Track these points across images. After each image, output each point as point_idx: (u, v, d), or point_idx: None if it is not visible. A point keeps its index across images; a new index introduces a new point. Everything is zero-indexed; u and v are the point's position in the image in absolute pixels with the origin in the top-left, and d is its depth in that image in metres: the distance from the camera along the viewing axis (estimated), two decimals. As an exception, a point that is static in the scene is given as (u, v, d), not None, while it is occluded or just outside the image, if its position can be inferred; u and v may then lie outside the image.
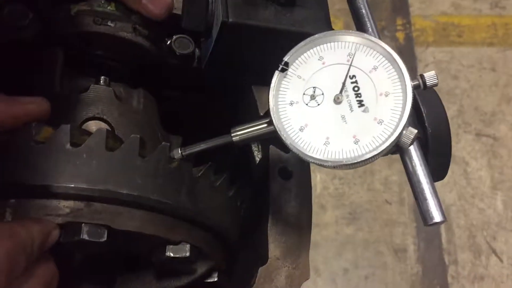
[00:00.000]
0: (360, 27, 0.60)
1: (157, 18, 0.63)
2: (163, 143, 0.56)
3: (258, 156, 0.74)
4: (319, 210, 1.93)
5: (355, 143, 0.50)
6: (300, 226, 0.65)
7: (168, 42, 0.67)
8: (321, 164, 0.50)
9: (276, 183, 0.66)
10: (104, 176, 0.51)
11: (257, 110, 0.68)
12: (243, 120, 0.56)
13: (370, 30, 0.58)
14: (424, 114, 0.57)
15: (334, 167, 0.50)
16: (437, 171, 0.58)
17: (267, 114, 0.53)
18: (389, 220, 1.92)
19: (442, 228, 1.89)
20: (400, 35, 2.27)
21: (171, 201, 0.54)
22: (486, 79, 2.18)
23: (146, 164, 0.53)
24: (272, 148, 0.67)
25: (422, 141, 0.56)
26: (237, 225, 0.64)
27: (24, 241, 0.45)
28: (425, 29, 2.30)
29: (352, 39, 0.53)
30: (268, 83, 0.53)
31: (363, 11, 0.59)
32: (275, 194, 0.65)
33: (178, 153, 0.57)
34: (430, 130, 0.56)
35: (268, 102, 0.52)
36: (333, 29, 0.61)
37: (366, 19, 0.58)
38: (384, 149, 0.49)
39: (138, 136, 0.54)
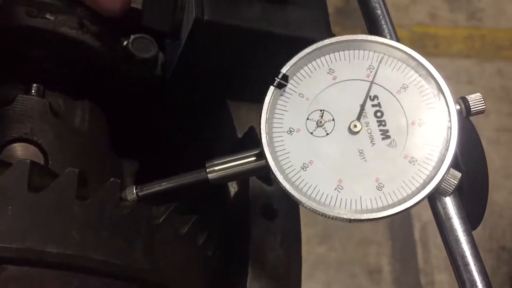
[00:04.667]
0: (375, 33, 0.47)
1: (111, 16, 0.55)
2: (111, 179, 0.44)
3: (233, 186, 0.63)
4: (290, 228, 1.89)
5: (378, 189, 0.39)
6: (287, 282, 0.55)
7: (125, 43, 0.60)
8: (331, 216, 0.38)
9: (257, 225, 0.55)
10: (24, 229, 0.39)
11: (235, 132, 0.58)
12: (217, 143, 0.43)
13: (388, 37, 0.45)
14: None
15: (349, 221, 0.37)
16: (471, 220, 0.46)
17: (246, 140, 0.44)
18: (363, 238, 1.87)
19: (418, 247, 1.85)
20: (374, 45, 2.31)
21: (122, 261, 0.43)
22: (463, 92, 2.16)
23: (87, 210, 0.42)
24: (253, 179, 0.57)
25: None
26: (209, 284, 0.52)
27: None
28: (400, 39, 2.29)
29: (374, 47, 0.41)
30: (249, 99, 0.46)
31: (379, 11, 0.46)
32: (256, 239, 0.55)
33: (132, 193, 0.44)
34: (465, 169, 0.44)
35: (260, 128, 0.39)
36: (334, 34, 0.50)
37: (383, 23, 0.45)
38: (419, 200, 0.36)
39: (76, 170, 0.42)
